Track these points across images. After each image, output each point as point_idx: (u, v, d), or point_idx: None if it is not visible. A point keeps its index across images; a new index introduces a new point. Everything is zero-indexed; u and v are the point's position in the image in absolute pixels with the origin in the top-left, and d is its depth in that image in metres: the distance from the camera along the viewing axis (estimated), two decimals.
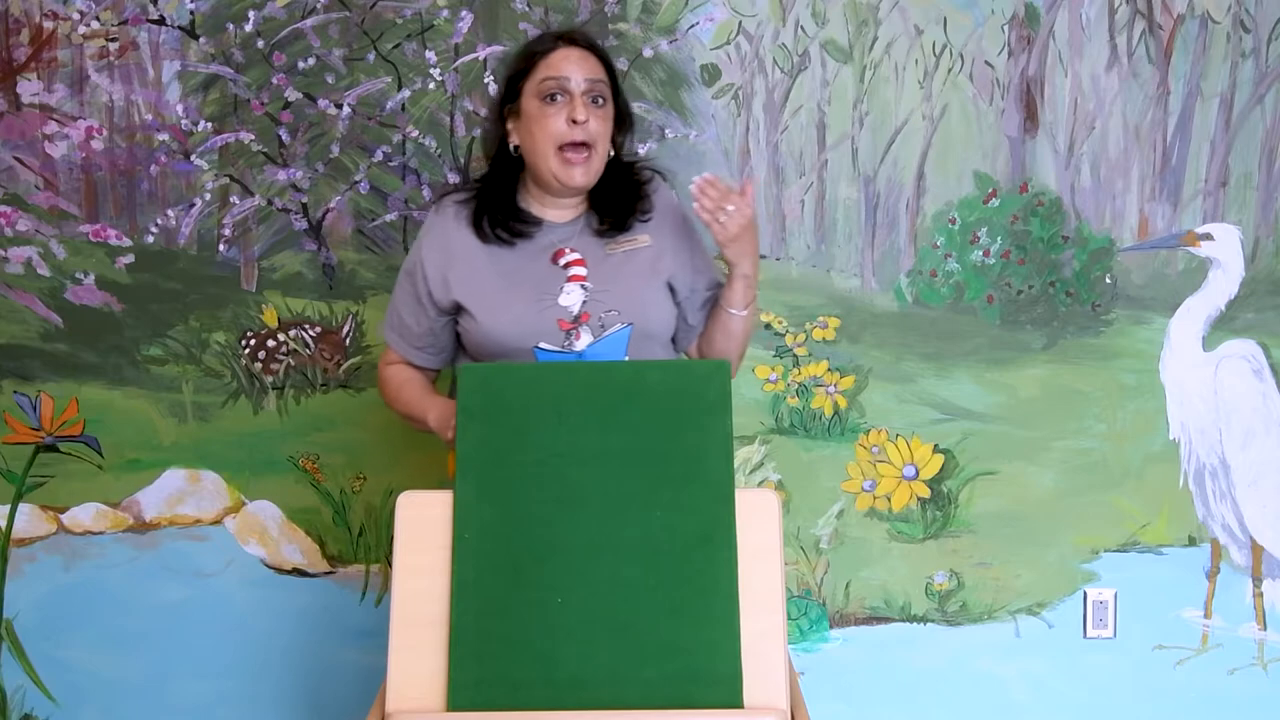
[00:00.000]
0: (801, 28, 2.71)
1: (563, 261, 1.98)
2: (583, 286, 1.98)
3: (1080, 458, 2.81)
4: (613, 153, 2.02)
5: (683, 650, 1.72)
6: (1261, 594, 2.84)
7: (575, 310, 1.97)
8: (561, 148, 1.94)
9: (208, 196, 2.73)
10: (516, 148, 2.00)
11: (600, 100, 1.95)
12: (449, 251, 2.00)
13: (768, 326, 2.77)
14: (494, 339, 1.97)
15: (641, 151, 2.71)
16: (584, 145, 1.94)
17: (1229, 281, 2.76)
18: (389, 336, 2.11)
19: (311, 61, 2.69)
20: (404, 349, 2.10)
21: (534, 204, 2.03)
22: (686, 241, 2.07)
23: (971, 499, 2.81)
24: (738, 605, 1.74)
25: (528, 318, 1.95)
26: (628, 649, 1.73)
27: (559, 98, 1.93)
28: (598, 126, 1.94)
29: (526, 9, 2.67)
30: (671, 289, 2.05)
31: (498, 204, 2.01)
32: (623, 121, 2.03)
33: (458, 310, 2.01)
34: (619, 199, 2.03)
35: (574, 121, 1.92)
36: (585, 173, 1.96)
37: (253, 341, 2.77)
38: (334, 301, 2.75)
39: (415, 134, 2.70)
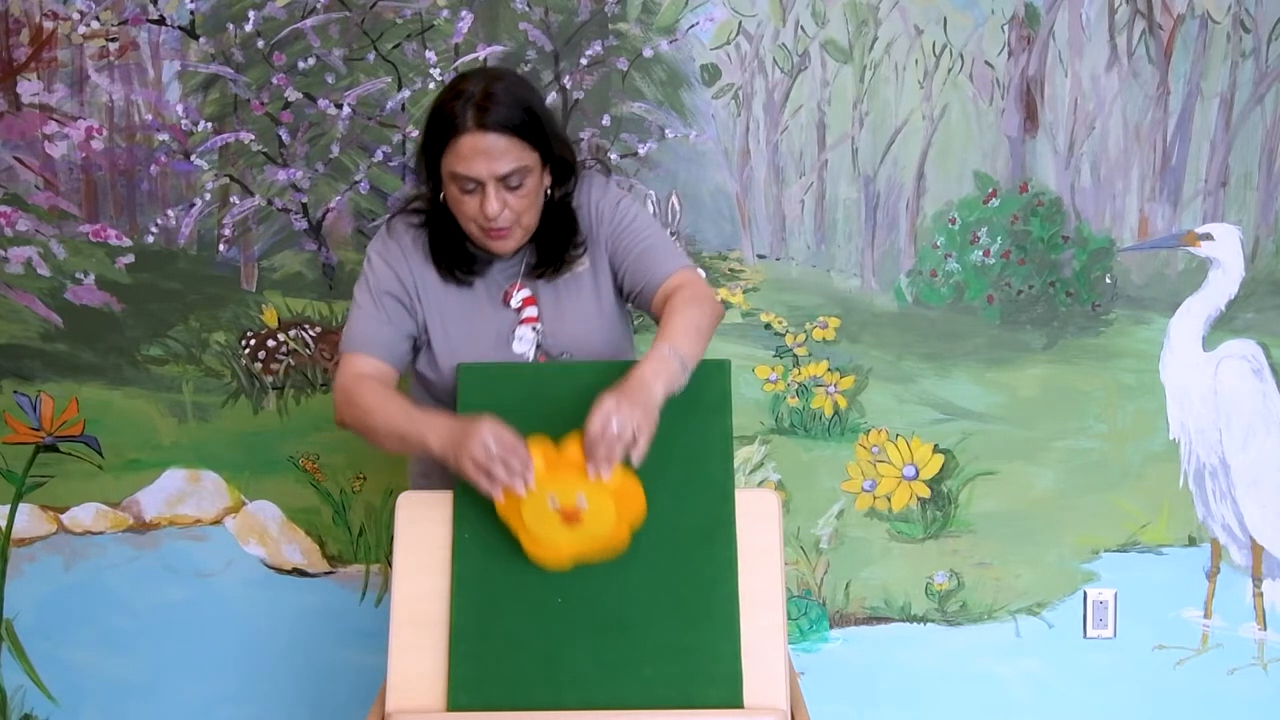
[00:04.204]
0: (801, 28, 2.71)
1: (514, 303, 1.96)
2: (534, 329, 1.97)
3: (1080, 458, 2.81)
4: (549, 192, 1.94)
5: (683, 650, 1.72)
6: (1261, 594, 2.84)
7: (530, 355, 1.96)
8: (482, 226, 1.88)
9: (208, 196, 2.73)
10: (444, 198, 1.91)
11: (517, 183, 1.85)
12: (415, 282, 1.96)
13: (767, 326, 2.77)
14: (450, 383, 1.93)
15: (641, 151, 2.71)
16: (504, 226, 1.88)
17: (1229, 281, 2.76)
18: (355, 344, 1.95)
19: (311, 61, 2.69)
20: (380, 350, 1.95)
21: (474, 249, 1.97)
22: (618, 244, 1.98)
23: (971, 499, 2.81)
24: (738, 605, 1.74)
25: None
26: (628, 649, 1.73)
27: (471, 186, 1.84)
28: (517, 204, 1.86)
29: (526, 9, 2.67)
30: (622, 289, 2.01)
31: (448, 247, 1.95)
32: (561, 171, 1.94)
33: (420, 336, 1.97)
34: (555, 240, 1.96)
35: (486, 215, 1.85)
36: (510, 244, 1.91)
37: (253, 341, 2.77)
38: (334, 301, 2.75)
39: (415, 134, 2.70)
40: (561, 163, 1.93)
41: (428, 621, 1.75)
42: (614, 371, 1.85)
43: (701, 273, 1.97)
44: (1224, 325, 2.78)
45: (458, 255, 1.95)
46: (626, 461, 1.69)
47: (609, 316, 2.01)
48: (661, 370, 1.75)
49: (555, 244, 1.95)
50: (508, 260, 1.98)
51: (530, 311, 1.96)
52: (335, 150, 2.71)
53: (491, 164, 1.81)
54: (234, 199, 2.73)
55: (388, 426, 1.83)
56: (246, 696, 2.83)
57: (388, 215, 2.00)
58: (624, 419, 1.66)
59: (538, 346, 1.97)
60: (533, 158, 1.85)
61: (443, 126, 1.83)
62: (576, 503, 1.69)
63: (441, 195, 1.91)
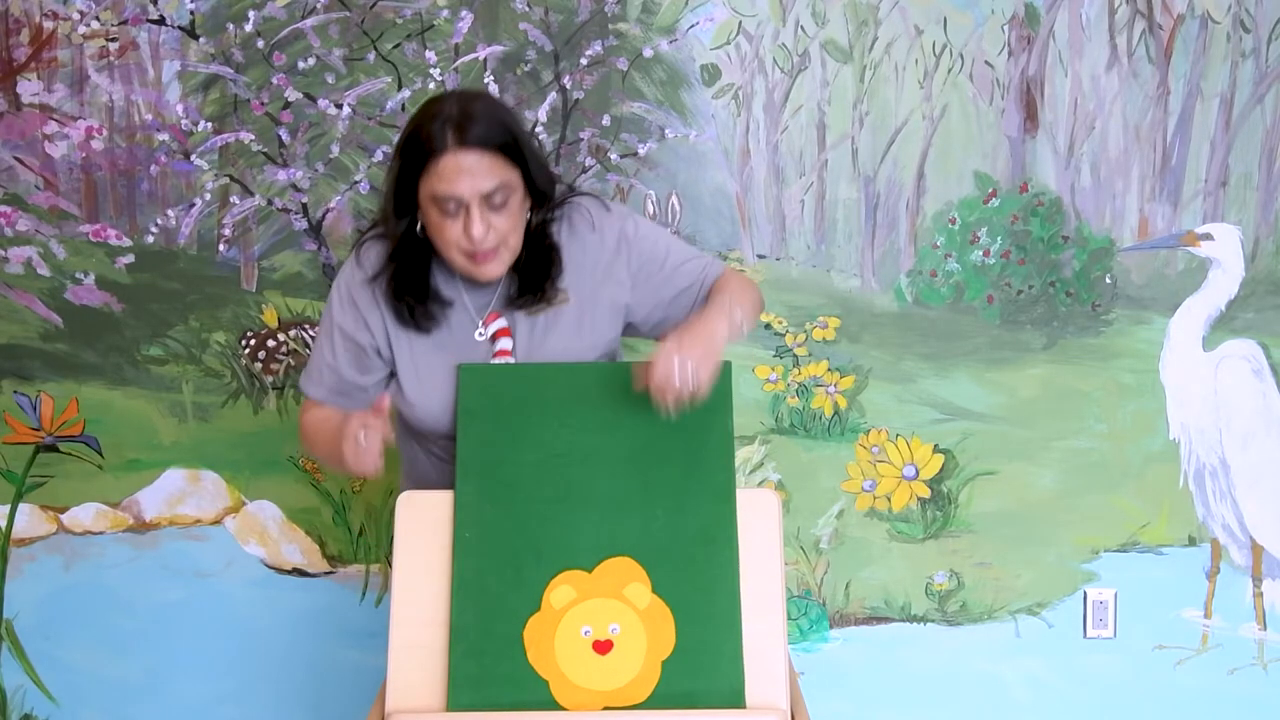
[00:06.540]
0: (801, 28, 2.71)
1: (490, 331, 1.89)
2: (509, 363, 1.89)
3: (1080, 458, 2.81)
4: (529, 217, 1.86)
5: (683, 650, 1.72)
6: (1261, 594, 2.84)
7: None
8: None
9: (208, 196, 2.73)
10: (423, 228, 1.82)
11: (501, 201, 1.77)
12: (381, 315, 1.89)
13: (767, 326, 2.77)
14: (424, 421, 1.90)
15: (641, 151, 2.71)
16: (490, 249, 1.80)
17: (1229, 281, 2.76)
18: (314, 391, 1.94)
19: (311, 61, 2.69)
20: (336, 399, 1.92)
21: (445, 282, 1.89)
22: (621, 280, 1.92)
23: (971, 499, 2.81)
24: (738, 605, 1.74)
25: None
26: None
27: (454, 208, 1.76)
28: (502, 225, 1.78)
29: (526, 9, 2.67)
30: (633, 323, 1.96)
31: (412, 287, 1.86)
32: (539, 194, 1.85)
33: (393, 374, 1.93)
34: (536, 269, 1.88)
35: (472, 238, 1.77)
36: (497, 267, 1.82)
37: (253, 341, 2.77)
38: None
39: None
40: (540, 188, 1.85)
41: (428, 621, 1.75)
42: (614, 373, 1.85)
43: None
44: (1224, 325, 2.78)
45: (420, 294, 1.87)
46: (654, 585, 1.74)
47: (590, 355, 1.93)
48: (721, 316, 1.79)
49: (536, 273, 1.87)
50: (482, 290, 1.90)
51: (504, 344, 1.89)
52: (335, 150, 2.71)
53: (475, 181, 1.74)
54: (234, 199, 2.73)
55: (327, 444, 1.86)
56: (246, 696, 2.83)
57: (359, 237, 1.92)
58: (686, 362, 1.70)
59: None
60: (514, 175, 1.79)
61: (419, 149, 1.75)
62: (609, 632, 1.72)
63: (418, 226, 1.83)
